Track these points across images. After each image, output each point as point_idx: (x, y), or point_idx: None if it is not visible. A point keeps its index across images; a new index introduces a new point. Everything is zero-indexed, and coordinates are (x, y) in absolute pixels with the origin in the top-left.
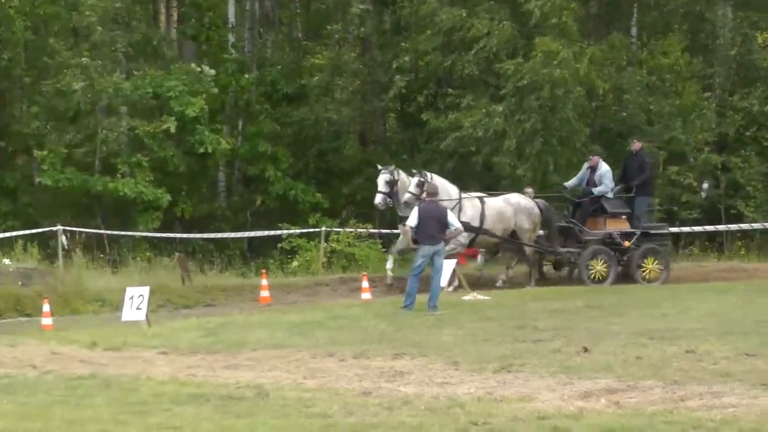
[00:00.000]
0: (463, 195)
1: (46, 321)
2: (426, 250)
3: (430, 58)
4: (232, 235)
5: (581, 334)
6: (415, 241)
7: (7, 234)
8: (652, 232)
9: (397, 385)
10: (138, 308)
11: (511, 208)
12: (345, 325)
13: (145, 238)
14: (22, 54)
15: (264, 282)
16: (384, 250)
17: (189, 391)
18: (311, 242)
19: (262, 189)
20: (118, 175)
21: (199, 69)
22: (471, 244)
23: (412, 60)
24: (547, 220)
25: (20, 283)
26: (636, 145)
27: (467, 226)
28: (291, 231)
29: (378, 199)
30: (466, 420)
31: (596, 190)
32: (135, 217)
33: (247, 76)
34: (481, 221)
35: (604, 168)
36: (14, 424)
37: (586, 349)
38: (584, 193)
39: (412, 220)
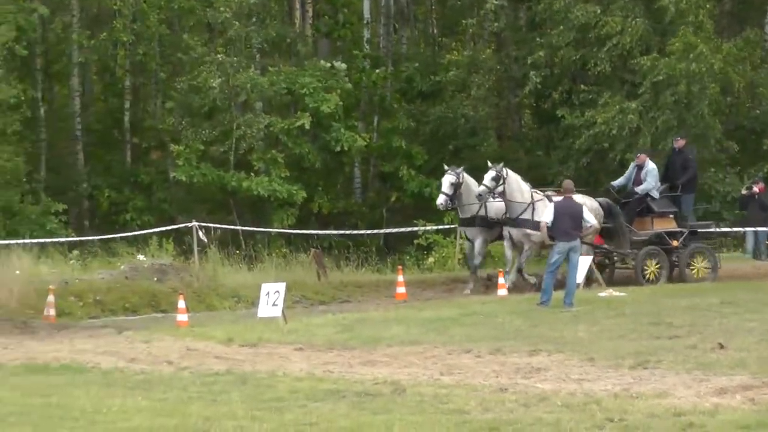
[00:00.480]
0: (535, 193)
1: (182, 317)
2: (561, 246)
3: (562, 53)
4: (368, 231)
5: (716, 330)
6: (551, 238)
7: (143, 231)
8: (700, 230)
9: (533, 382)
10: (274, 304)
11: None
12: (481, 322)
13: (281, 234)
14: (157, 49)
15: (400, 278)
16: None
17: (325, 387)
18: (447, 238)
19: (397, 186)
20: (253, 172)
21: (329, 64)
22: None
23: (547, 56)
24: (614, 220)
25: (155, 279)
26: (679, 142)
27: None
28: (426, 228)
29: (440, 200)
30: (602, 416)
31: (639, 189)
32: (270, 214)
33: (378, 71)
34: None
35: (650, 166)
36: (150, 420)
37: (721, 346)
38: (631, 193)
39: (548, 216)
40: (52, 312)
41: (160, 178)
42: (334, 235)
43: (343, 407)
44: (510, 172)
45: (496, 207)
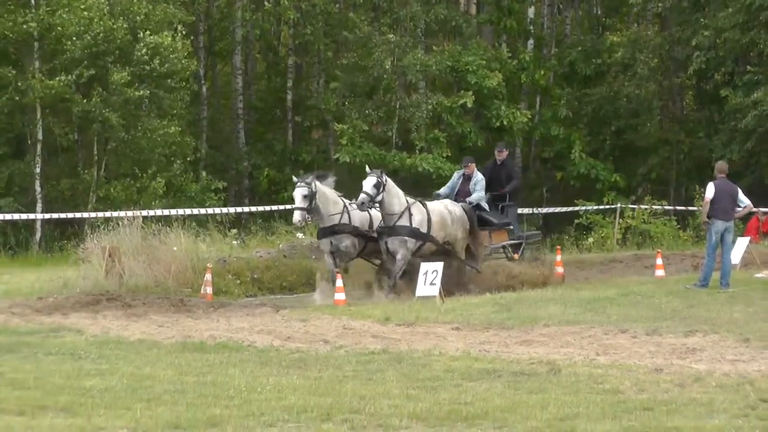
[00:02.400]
0: (410, 201)
1: (339, 296)
2: (718, 225)
3: (727, 35)
4: (527, 210)
5: None
6: (708, 217)
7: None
8: (530, 241)
9: (689, 362)
10: (431, 283)
11: (450, 215)
12: (638, 302)
13: None
14: (322, 28)
15: (558, 258)
16: (678, 227)
17: (480, 367)
18: (607, 219)
19: (559, 166)
20: (417, 151)
21: (495, 46)
22: (416, 252)
23: (710, 37)
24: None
25: (313, 257)
26: (503, 153)
27: (416, 232)
28: (587, 207)
29: (296, 217)
30: (755, 397)
31: (472, 199)
32: (432, 193)
33: (542, 60)
34: (428, 227)
35: (479, 176)
36: (305, 398)
37: None
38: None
39: (710, 193)
40: (209, 290)
41: (320, 158)
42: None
43: (499, 386)
44: (387, 177)
45: (359, 216)
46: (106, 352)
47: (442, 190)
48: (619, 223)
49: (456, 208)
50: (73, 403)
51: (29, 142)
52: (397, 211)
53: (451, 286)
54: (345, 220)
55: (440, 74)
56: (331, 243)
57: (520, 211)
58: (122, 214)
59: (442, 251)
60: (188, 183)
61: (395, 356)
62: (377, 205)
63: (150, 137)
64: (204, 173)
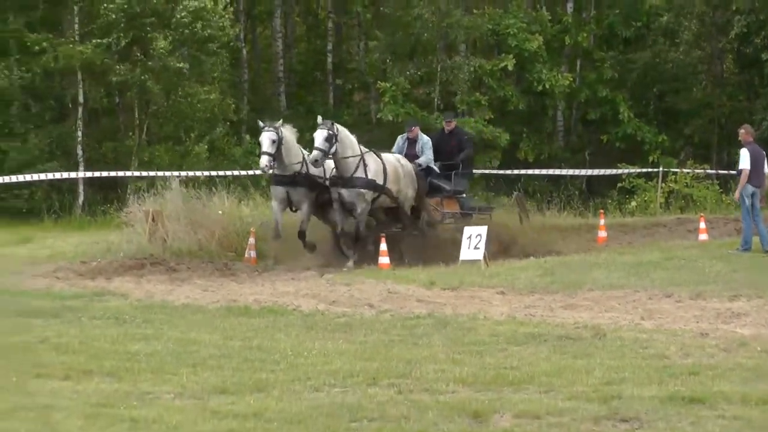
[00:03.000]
0: (364, 150)
1: (384, 260)
2: (748, 189)
3: None
4: (571, 171)
5: None
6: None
7: None
8: (482, 214)
9: (733, 327)
10: (476, 247)
11: (402, 168)
12: (682, 266)
13: (483, 176)
14: None
15: (602, 222)
16: (721, 191)
17: (526, 331)
18: (649, 182)
19: (603, 129)
20: (459, 114)
21: (536, 9)
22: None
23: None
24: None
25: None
26: (451, 124)
27: (373, 183)
28: (630, 170)
29: (264, 161)
30: None
31: (421, 161)
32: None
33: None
34: (384, 179)
35: (425, 139)
36: (351, 363)
37: None
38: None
39: (746, 161)
40: (253, 254)
41: (362, 120)
42: (536, 177)
43: (544, 351)
44: (340, 127)
45: (315, 171)
46: (150, 317)
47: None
48: (662, 186)
49: (407, 164)
50: (119, 367)
51: (70, 105)
52: (351, 161)
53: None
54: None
55: (481, 36)
56: (287, 193)
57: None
58: (167, 173)
59: (395, 207)
60: (231, 146)
61: (441, 320)
62: (331, 156)
63: (191, 102)
64: (247, 137)
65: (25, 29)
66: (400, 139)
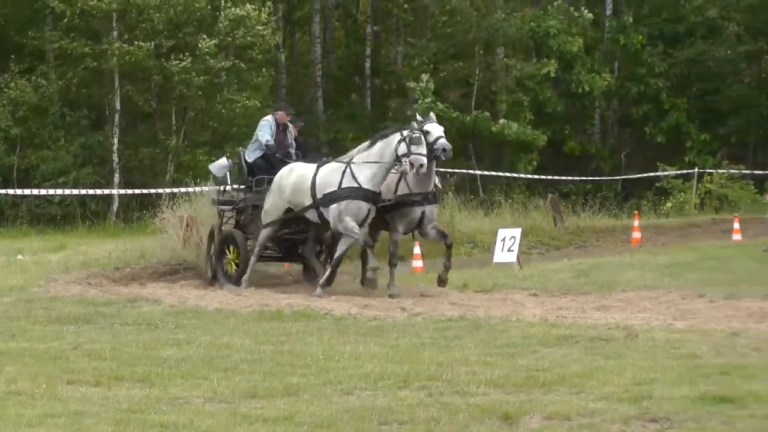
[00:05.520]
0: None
1: (417, 263)
2: None
3: None
4: (605, 178)
5: None
6: None
7: None
8: None
9: (766, 326)
10: (509, 250)
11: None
12: (715, 267)
13: (519, 179)
14: None
15: (636, 223)
16: (756, 191)
17: (558, 333)
18: (687, 183)
19: (641, 129)
20: (501, 120)
21: (577, 13)
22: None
23: None
24: None
25: None
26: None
27: None
28: (665, 173)
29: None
30: None
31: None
32: (512, 158)
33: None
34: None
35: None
36: (382, 365)
37: None
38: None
39: None
40: None
41: (399, 123)
42: (572, 180)
43: (576, 352)
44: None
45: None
46: (183, 322)
47: (267, 139)
48: (697, 187)
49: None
50: (150, 373)
51: (107, 112)
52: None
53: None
54: None
55: (521, 38)
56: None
57: None
58: (198, 188)
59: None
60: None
61: (472, 323)
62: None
63: (230, 108)
64: None
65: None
66: (267, 124)
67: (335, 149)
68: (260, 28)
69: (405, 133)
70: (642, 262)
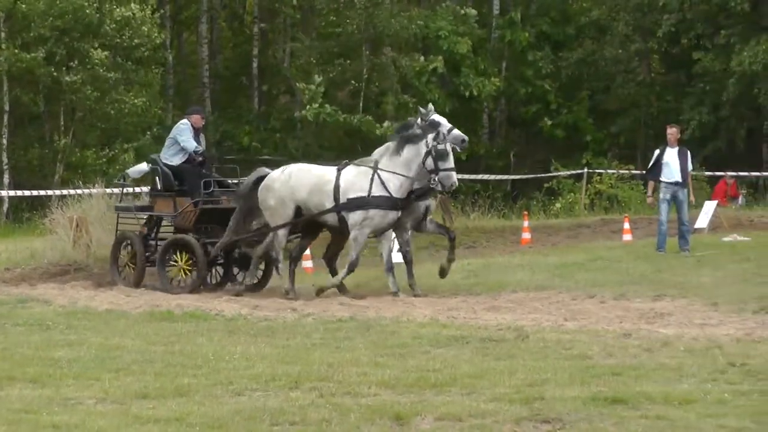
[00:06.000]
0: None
1: (307, 264)
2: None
3: None
4: (494, 177)
5: None
6: None
7: None
8: None
9: (656, 327)
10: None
11: None
12: (605, 267)
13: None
14: None
15: (525, 224)
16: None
17: (449, 333)
18: (577, 184)
19: (531, 126)
20: (386, 122)
21: (463, 11)
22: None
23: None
24: None
25: None
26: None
27: None
28: (555, 174)
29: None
30: (724, 361)
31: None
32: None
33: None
34: None
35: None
36: (273, 366)
37: None
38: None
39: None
40: None
41: (288, 125)
42: (461, 180)
43: (467, 353)
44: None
45: None
46: (74, 323)
47: (194, 145)
48: (587, 187)
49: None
50: (42, 374)
51: None
52: None
53: None
54: None
55: (408, 38)
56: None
57: None
58: (86, 191)
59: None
60: (157, 152)
61: (363, 323)
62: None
63: (118, 108)
64: None
65: None
66: (187, 128)
67: (222, 149)
68: (145, 28)
69: (430, 143)
70: (532, 262)
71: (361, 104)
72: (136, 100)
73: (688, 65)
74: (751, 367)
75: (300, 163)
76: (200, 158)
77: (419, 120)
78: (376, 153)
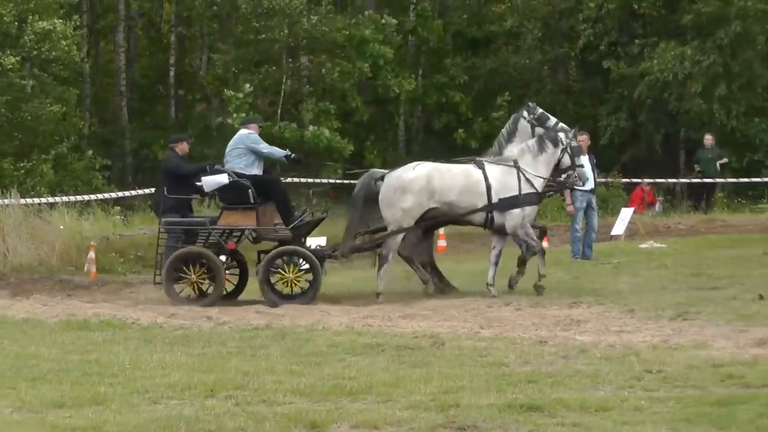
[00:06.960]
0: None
1: None
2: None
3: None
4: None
5: (757, 281)
6: None
7: None
8: None
9: (573, 334)
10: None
11: None
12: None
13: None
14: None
15: (441, 231)
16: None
17: (364, 341)
18: None
19: (447, 136)
20: (309, 127)
21: (383, 20)
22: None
23: (595, 9)
24: None
25: None
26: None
27: None
28: None
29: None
30: (640, 368)
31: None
32: (317, 166)
33: (433, 23)
34: None
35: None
36: (189, 375)
37: (761, 297)
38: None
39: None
40: (93, 268)
41: (205, 134)
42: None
43: (382, 361)
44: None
45: None
46: None
47: (277, 152)
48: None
49: None
50: None
51: None
52: None
53: None
54: None
55: (330, 46)
56: None
57: None
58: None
59: None
60: (74, 162)
61: (279, 332)
62: None
63: (35, 118)
64: (90, 152)
65: None
66: (257, 137)
67: (138, 158)
68: (65, 43)
69: (564, 141)
70: (447, 270)
71: (279, 111)
72: (52, 108)
73: (605, 72)
74: (667, 373)
75: (427, 163)
76: (296, 159)
77: (527, 114)
78: (509, 146)
